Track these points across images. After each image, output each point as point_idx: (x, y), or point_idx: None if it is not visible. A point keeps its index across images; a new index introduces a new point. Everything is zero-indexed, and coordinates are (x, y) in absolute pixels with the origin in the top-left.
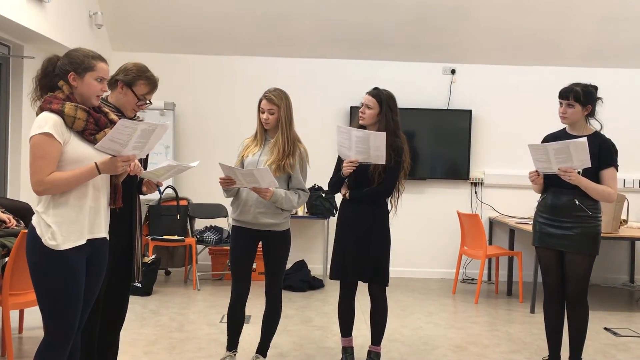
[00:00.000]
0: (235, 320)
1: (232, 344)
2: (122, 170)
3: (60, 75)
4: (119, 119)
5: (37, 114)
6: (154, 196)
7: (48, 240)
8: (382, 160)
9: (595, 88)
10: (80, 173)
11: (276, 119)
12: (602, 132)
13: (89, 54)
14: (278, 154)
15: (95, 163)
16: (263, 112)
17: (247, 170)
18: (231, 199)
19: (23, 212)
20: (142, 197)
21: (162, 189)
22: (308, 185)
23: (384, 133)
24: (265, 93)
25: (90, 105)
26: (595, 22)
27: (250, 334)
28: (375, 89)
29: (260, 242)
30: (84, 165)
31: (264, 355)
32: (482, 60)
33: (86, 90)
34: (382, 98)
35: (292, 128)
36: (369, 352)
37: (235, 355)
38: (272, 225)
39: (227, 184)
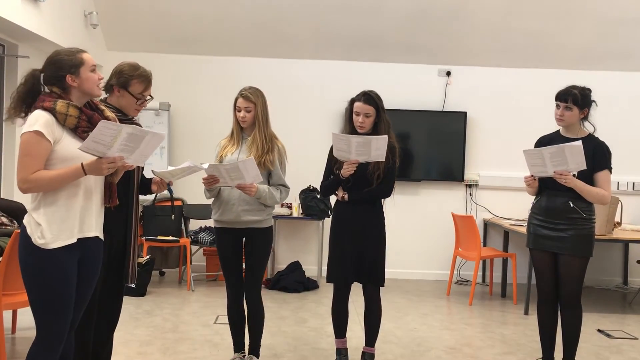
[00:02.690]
0: (236, 321)
1: (238, 345)
2: (107, 172)
3: (55, 84)
4: (117, 117)
5: (31, 112)
6: (149, 197)
7: (37, 239)
8: (383, 158)
9: (590, 91)
10: (65, 173)
11: (253, 116)
12: (595, 135)
13: (72, 52)
14: (257, 151)
15: (82, 163)
16: (239, 111)
17: (231, 165)
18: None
19: (17, 213)
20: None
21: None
22: (302, 186)
23: (386, 136)
24: (240, 91)
25: (95, 96)
26: (591, 25)
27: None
28: (365, 94)
29: (244, 240)
30: (73, 164)
31: (257, 355)
32: (477, 63)
33: (87, 84)
34: (377, 103)
35: (268, 125)
36: (363, 353)
37: (244, 356)
38: (256, 222)
39: (211, 183)
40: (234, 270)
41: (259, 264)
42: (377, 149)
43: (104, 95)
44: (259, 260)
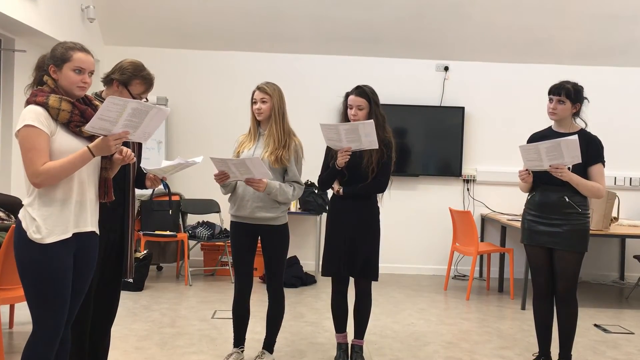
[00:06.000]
0: (240, 316)
1: (239, 340)
2: (115, 149)
3: (46, 71)
4: None
5: (25, 107)
6: (146, 191)
7: (32, 234)
8: (375, 145)
9: (582, 87)
10: (74, 158)
11: (269, 108)
12: (587, 130)
13: (67, 45)
14: (274, 144)
15: (88, 146)
16: (255, 103)
17: (239, 160)
18: (228, 195)
19: (14, 207)
20: (136, 191)
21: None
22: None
23: (372, 121)
24: (258, 85)
25: (75, 97)
26: (588, 21)
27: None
28: (359, 88)
29: (259, 238)
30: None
31: (270, 351)
32: (475, 58)
33: (65, 82)
34: (370, 96)
35: (285, 120)
36: (353, 345)
37: (242, 351)
38: (269, 219)
39: (222, 179)
40: (244, 266)
41: (277, 262)
42: (366, 134)
43: (101, 87)
44: (275, 258)
